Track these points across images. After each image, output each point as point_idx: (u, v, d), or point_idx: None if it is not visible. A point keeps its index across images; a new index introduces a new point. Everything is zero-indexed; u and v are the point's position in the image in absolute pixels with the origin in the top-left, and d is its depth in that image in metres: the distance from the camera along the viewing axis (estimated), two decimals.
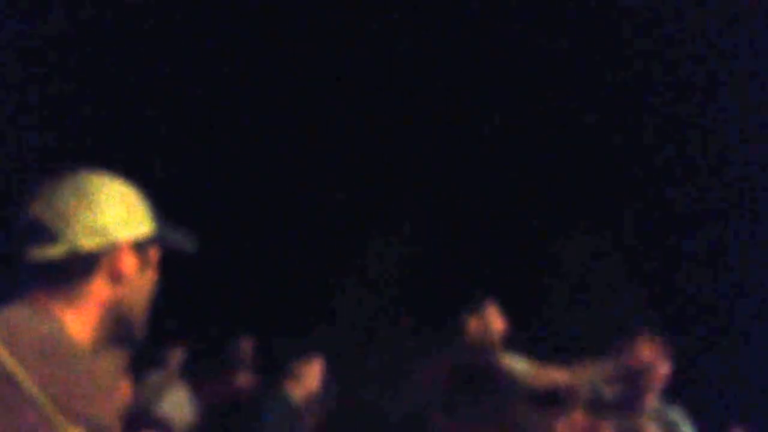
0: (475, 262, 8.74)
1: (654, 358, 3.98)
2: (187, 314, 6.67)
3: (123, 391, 1.48)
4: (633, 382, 4.02)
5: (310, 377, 4.85)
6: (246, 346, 6.14)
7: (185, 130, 8.90)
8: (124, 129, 8.45)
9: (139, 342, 1.73)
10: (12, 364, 1.47)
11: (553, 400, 4.09)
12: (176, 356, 6.21)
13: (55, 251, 1.60)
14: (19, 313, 1.57)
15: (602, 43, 9.30)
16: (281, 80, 9.26)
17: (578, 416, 3.88)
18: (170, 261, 1.80)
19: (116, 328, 1.67)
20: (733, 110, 8.96)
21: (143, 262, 1.70)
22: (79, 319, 1.61)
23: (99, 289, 1.63)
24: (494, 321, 4.29)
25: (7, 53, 7.92)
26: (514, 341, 4.37)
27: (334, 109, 9.38)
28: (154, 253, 1.74)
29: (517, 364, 4.28)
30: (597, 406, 3.95)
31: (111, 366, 1.64)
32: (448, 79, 9.48)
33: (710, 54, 9.00)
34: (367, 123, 9.33)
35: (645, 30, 9.25)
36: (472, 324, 4.25)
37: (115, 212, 1.65)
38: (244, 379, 6.00)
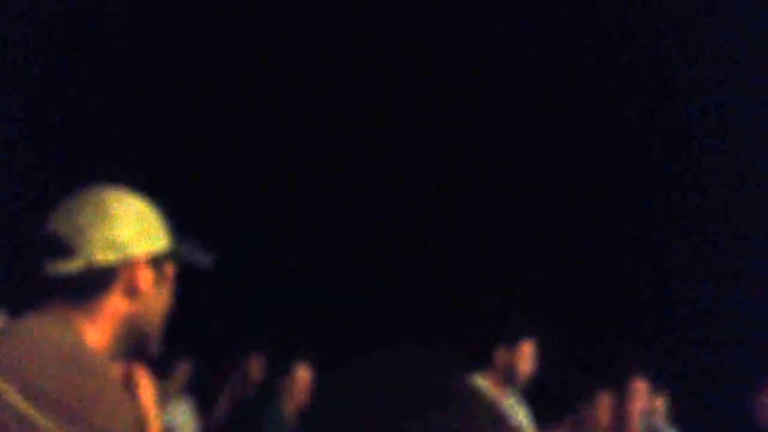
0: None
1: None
2: (196, 327, 6.66)
3: (142, 402, 1.50)
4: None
5: (300, 389, 4.87)
6: (254, 363, 6.13)
7: (203, 147, 8.89)
8: (142, 145, 8.46)
9: (154, 355, 1.74)
10: None
11: None
12: (183, 368, 6.21)
13: (72, 266, 1.62)
14: (39, 323, 1.60)
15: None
16: (317, 102, 9.19)
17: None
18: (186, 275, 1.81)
19: (132, 342, 1.69)
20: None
21: (159, 277, 1.72)
22: (96, 332, 1.64)
23: (115, 304, 1.66)
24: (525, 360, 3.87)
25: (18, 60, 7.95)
26: None
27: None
28: (170, 269, 1.76)
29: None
30: None
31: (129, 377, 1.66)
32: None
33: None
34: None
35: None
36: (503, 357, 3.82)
37: (131, 227, 1.67)
38: (249, 392, 6.00)
